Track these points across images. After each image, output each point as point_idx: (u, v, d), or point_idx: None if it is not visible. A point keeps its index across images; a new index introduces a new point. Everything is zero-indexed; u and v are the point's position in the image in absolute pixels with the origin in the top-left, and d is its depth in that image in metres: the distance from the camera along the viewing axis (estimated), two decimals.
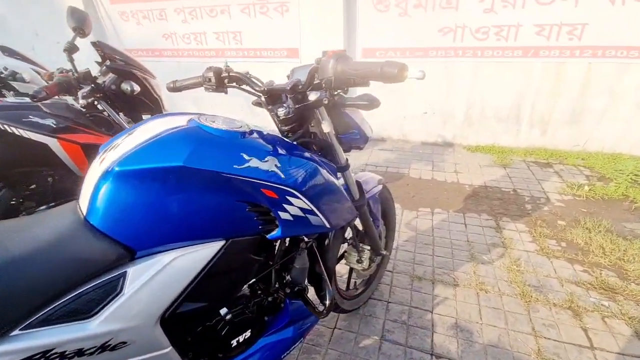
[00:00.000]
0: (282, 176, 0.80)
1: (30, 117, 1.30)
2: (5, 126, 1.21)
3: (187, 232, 0.75)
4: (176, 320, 0.79)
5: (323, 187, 0.93)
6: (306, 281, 1.19)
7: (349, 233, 1.38)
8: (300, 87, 0.92)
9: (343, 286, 1.61)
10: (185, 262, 0.75)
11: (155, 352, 0.77)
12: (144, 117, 1.66)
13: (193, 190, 0.72)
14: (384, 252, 1.51)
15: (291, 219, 0.88)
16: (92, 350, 0.66)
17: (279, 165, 0.81)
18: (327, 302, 1.05)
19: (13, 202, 1.45)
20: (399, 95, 3.57)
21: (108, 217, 0.69)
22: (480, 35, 3.08)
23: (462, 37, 3.13)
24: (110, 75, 1.47)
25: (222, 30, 3.84)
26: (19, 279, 0.60)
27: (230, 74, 1.00)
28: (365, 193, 1.27)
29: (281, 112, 0.96)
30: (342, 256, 1.45)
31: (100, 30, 4.23)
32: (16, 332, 0.58)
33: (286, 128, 1.03)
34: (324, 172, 0.93)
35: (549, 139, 3.31)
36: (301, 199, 0.86)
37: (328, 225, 1.00)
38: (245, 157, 0.76)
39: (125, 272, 0.69)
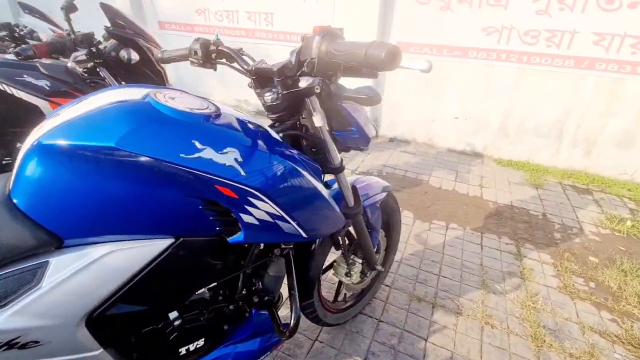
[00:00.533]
0: (243, 174, 0.67)
1: (25, 76, 1.24)
2: (0, 82, 1.16)
3: (126, 225, 0.64)
4: (110, 322, 0.69)
5: (299, 192, 0.78)
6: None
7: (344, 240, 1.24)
8: (289, 69, 0.78)
9: (331, 297, 1.47)
10: (121, 258, 0.64)
11: (78, 355, 0.67)
12: None
13: (130, 177, 0.60)
14: (379, 268, 1.35)
15: (257, 223, 0.75)
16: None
17: (240, 159, 0.67)
18: (291, 323, 0.92)
19: (5, 161, 1.42)
20: (431, 94, 3.32)
21: (31, 196, 0.59)
22: (528, 39, 2.77)
23: (508, 39, 2.83)
24: (112, 41, 1.39)
25: (255, 10, 3.72)
26: None
27: (219, 48, 0.87)
28: (361, 200, 1.12)
29: (268, 97, 0.83)
30: (331, 265, 1.31)
31: (137, 0, 4.25)
32: None
33: (273, 116, 0.90)
34: (303, 174, 0.78)
35: (592, 163, 2.97)
36: (267, 203, 0.72)
37: (305, 235, 0.86)
38: (198, 145, 0.63)
39: (47, 262, 0.60)
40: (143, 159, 0.59)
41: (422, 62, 0.71)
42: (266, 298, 0.97)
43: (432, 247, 2.06)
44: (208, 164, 0.63)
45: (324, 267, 1.23)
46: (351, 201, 1.09)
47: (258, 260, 0.95)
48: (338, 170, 0.99)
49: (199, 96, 0.77)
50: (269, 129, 0.86)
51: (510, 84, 2.99)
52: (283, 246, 0.96)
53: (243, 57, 0.87)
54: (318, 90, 0.84)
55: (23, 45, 1.15)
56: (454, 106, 3.30)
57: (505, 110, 3.11)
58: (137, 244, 0.66)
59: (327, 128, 0.92)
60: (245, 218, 0.73)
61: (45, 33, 1.90)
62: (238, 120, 0.76)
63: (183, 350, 0.85)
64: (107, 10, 1.38)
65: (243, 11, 3.79)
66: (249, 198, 0.69)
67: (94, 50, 1.34)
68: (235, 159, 0.66)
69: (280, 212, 0.75)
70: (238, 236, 0.76)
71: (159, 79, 1.54)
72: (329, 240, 1.15)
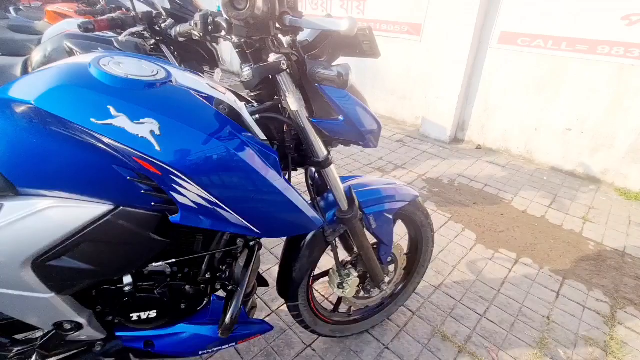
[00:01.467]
0: (157, 148, 0.60)
1: (99, 49, 1.44)
2: (75, 51, 1.38)
3: (67, 184, 0.65)
4: (59, 271, 0.73)
5: (237, 181, 0.68)
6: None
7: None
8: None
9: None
10: (62, 214, 0.66)
11: (27, 293, 0.73)
12: (202, 67, 1.67)
13: (55, 136, 0.60)
14: (386, 288, 1.16)
15: (193, 206, 0.69)
16: None
17: (158, 133, 0.60)
18: (226, 318, 0.83)
19: None
20: (537, 97, 2.73)
21: None
22: None
23: None
24: (170, 19, 1.50)
25: None
26: None
27: (215, 19, 0.82)
28: (358, 204, 0.96)
29: (244, 72, 0.75)
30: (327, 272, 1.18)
31: None
32: None
33: (252, 95, 0.82)
34: (244, 160, 0.67)
35: None
36: (194, 187, 0.65)
37: (256, 230, 0.76)
38: (113, 111, 0.59)
39: (2, 204, 0.65)
40: (58, 119, 0.58)
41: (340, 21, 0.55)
42: (229, 287, 0.92)
43: (487, 280, 1.69)
44: (118, 133, 0.59)
45: (314, 270, 1.11)
46: (343, 204, 0.94)
47: (224, 247, 0.90)
48: (322, 165, 0.86)
49: (161, 63, 0.74)
50: (239, 107, 0.79)
51: None
52: (248, 237, 0.89)
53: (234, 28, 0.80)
54: (284, 67, 0.72)
55: (85, 19, 1.33)
56: (567, 115, 2.63)
57: None
58: (78, 204, 0.67)
59: (306, 114, 0.79)
60: (179, 198, 0.67)
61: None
62: (186, 91, 0.69)
63: (134, 316, 0.86)
64: None
65: None
66: (172, 177, 0.63)
67: (156, 28, 1.47)
68: (152, 131, 0.60)
69: (214, 199, 0.67)
70: (176, 216, 0.71)
71: (210, 58, 1.62)
72: (321, 243, 1.02)
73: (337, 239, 1.08)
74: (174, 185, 0.65)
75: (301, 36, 0.80)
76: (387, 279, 1.18)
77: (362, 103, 0.83)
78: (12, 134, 0.62)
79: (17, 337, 0.87)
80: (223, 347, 1.00)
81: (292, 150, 0.85)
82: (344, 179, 1.08)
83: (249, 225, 0.74)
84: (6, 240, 0.65)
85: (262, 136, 0.81)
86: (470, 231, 2.05)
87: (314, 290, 1.20)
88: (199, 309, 0.95)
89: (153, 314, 0.87)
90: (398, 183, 1.13)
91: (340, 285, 1.08)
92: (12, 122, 0.62)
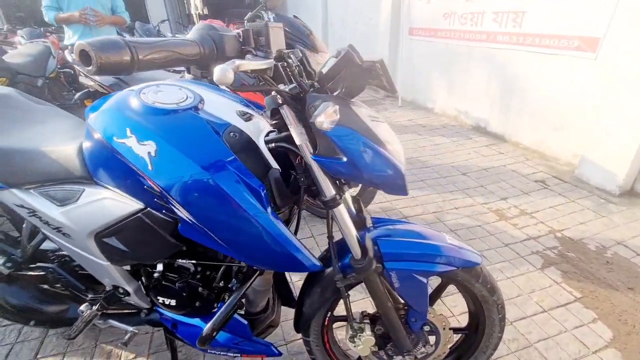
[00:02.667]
0: (150, 168, 0.68)
1: None
2: None
3: (118, 181, 0.82)
4: (110, 247, 0.93)
5: (217, 209, 0.70)
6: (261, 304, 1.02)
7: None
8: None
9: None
10: (113, 203, 0.85)
11: (91, 256, 0.96)
12: None
13: (102, 150, 0.77)
14: (407, 358, 0.96)
15: (188, 221, 0.75)
16: (52, 226, 0.92)
17: (154, 154, 0.68)
18: (205, 328, 0.86)
19: None
20: None
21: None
22: None
23: None
24: None
25: (503, 10, 3.15)
26: (37, 161, 0.92)
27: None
28: (373, 254, 0.83)
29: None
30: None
31: (396, 7, 4.62)
32: (25, 187, 0.91)
33: (272, 122, 0.82)
34: (224, 191, 0.68)
35: None
36: (179, 207, 0.70)
37: (243, 258, 0.77)
38: (128, 132, 0.70)
39: (84, 189, 0.89)
40: (97, 135, 0.74)
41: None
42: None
43: None
44: (127, 151, 0.70)
45: (333, 310, 1.03)
46: (356, 252, 0.84)
47: (229, 262, 0.95)
48: (327, 204, 0.79)
49: (206, 90, 0.83)
50: (254, 136, 0.81)
51: None
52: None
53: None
54: (280, 101, 0.69)
55: None
56: None
57: None
58: (123, 199, 0.84)
59: (310, 150, 0.74)
60: (178, 212, 0.75)
61: None
62: (198, 119, 0.76)
63: (161, 299, 1.01)
64: (278, 17, 1.64)
65: (490, 12, 3.30)
66: (164, 193, 0.71)
67: None
68: (149, 152, 0.69)
69: (195, 222, 0.71)
70: (180, 227, 0.80)
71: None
72: (332, 286, 0.94)
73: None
74: (170, 202, 0.73)
75: (324, 66, 0.76)
76: (419, 351, 0.98)
77: (374, 144, 0.72)
78: (87, 139, 0.83)
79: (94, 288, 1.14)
80: (228, 354, 1.05)
81: (304, 183, 0.82)
82: (377, 221, 0.96)
83: (232, 251, 0.76)
84: (83, 215, 0.88)
85: (274, 165, 0.82)
86: (606, 326, 1.46)
87: (332, 331, 1.11)
88: (213, 311, 1.03)
89: (173, 302, 1.00)
90: (449, 239, 0.92)
91: (352, 339, 0.96)
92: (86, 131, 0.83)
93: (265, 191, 0.73)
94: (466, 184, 2.65)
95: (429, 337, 1.02)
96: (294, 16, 1.74)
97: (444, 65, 4.09)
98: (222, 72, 0.52)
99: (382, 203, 2.41)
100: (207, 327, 0.89)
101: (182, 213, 0.74)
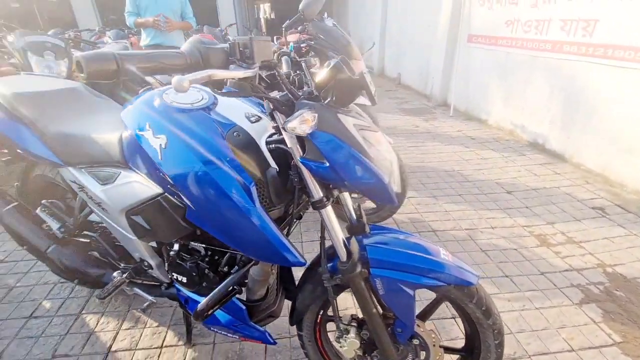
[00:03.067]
0: (160, 158, 0.78)
1: None
2: None
3: (142, 167, 0.95)
4: (138, 224, 1.07)
5: (211, 198, 0.78)
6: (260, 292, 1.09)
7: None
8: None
9: None
10: (139, 187, 0.99)
11: (123, 231, 1.11)
12: None
13: (135, 141, 0.90)
14: None
15: (193, 208, 0.85)
16: (95, 201, 1.09)
17: (164, 147, 0.78)
18: (197, 308, 0.94)
19: None
20: None
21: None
22: None
23: None
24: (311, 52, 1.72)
25: (573, 18, 2.87)
26: (88, 145, 1.09)
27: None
28: (358, 259, 0.85)
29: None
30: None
31: (456, 13, 4.44)
32: (78, 166, 1.10)
33: (273, 124, 0.89)
34: (217, 183, 0.76)
35: None
36: (182, 195, 0.79)
37: (239, 249, 0.85)
38: (147, 126, 0.81)
39: (120, 172, 1.04)
40: (128, 127, 0.87)
41: None
42: (235, 287, 1.04)
43: None
44: (145, 142, 0.81)
45: (326, 309, 1.06)
46: (341, 254, 0.87)
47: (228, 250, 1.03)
48: (314, 205, 0.83)
49: (209, 91, 0.92)
50: (256, 136, 0.88)
51: None
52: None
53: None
54: (271, 107, 0.75)
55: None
56: None
57: None
58: (148, 183, 0.97)
59: (300, 152, 0.79)
60: (185, 198, 0.85)
61: None
62: (207, 118, 0.84)
63: (174, 275, 1.13)
64: (315, 26, 1.71)
65: (557, 19, 3.03)
66: (170, 181, 0.81)
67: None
68: (160, 145, 0.79)
69: (195, 209, 0.80)
70: (187, 212, 0.90)
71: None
72: (320, 284, 0.98)
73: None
74: (176, 189, 0.83)
75: (318, 76, 0.81)
76: None
77: (356, 152, 0.74)
78: (123, 130, 0.97)
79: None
80: (228, 334, 1.13)
81: (298, 184, 0.87)
82: (375, 228, 0.98)
83: (229, 240, 0.84)
84: (117, 194, 1.03)
85: (273, 164, 0.88)
86: None
87: (325, 329, 1.14)
88: None
89: (184, 279, 1.11)
90: (444, 253, 0.90)
91: (338, 340, 0.99)
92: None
93: (254, 186, 0.79)
94: (509, 203, 2.47)
95: (421, 352, 1.00)
96: (334, 24, 1.80)
97: (502, 75, 3.84)
98: (178, 81, 0.57)
99: (411, 214, 2.35)
100: (201, 303, 0.99)
101: (186, 200, 0.84)
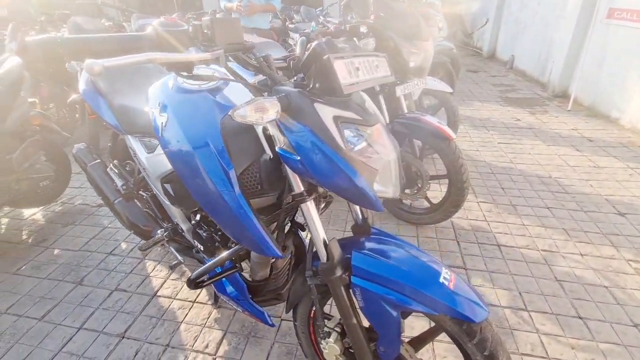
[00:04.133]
0: (160, 134, 0.82)
1: None
2: None
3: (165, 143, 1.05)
4: (167, 192, 1.19)
5: (197, 180, 0.80)
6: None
7: None
8: None
9: None
10: (164, 158, 1.10)
11: (163, 198, 1.25)
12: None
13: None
14: None
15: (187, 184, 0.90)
16: (142, 167, 1.26)
17: (164, 125, 0.82)
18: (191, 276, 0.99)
19: None
20: None
21: None
22: None
23: None
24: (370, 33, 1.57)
25: None
26: (141, 117, 1.24)
27: None
28: (338, 262, 0.78)
29: None
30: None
31: None
32: (134, 135, 1.27)
33: None
34: (204, 165, 0.77)
35: None
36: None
37: (227, 232, 0.87)
38: (157, 105, 0.87)
39: (157, 143, 1.17)
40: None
41: None
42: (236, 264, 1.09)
43: None
44: (154, 119, 0.87)
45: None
46: (321, 254, 0.81)
47: None
48: (295, 198, 0.78)
49: (221, 74, 0.93)
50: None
51: None
52: None
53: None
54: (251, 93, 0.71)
55: None
56: None
57: None
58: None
59: (279, 141, 0.74)
60: (178, 174, 0.90)
61: None
62: (208, 100, 0.84)
63: (195, 243, 1.23)
64: (377, 1, 1.54)
65: None
66: (169, 158, 0.86)
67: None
68: (162, 123, 0.84)
69: (187, 186, 0.84)
70: None
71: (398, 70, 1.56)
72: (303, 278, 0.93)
73: None
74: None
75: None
76: None
77: (329, 148, 0.64)
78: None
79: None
80: (233, 305, 1.20)
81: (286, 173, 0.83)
82: (376, 233, 0.88)
83: (214, 219, 0.86)
84: (155, 162, 1.16)
85: (268, 151, 0.86)
86: None
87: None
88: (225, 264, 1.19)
89: (202, 247, 1.20)
90: (445, 276, 0.75)
91: (323, 337, 0.94)
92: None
93: (232, 170, 0.78)
94: (618, 228, 1.94)
95: None
96: None
97: None
98: (89, 65, 0.55)
99: (476, 221, 2.05)
100: (194, 272, 1.06)
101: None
